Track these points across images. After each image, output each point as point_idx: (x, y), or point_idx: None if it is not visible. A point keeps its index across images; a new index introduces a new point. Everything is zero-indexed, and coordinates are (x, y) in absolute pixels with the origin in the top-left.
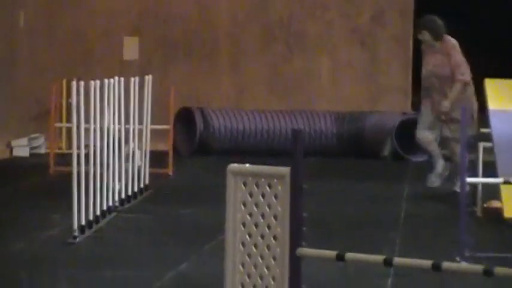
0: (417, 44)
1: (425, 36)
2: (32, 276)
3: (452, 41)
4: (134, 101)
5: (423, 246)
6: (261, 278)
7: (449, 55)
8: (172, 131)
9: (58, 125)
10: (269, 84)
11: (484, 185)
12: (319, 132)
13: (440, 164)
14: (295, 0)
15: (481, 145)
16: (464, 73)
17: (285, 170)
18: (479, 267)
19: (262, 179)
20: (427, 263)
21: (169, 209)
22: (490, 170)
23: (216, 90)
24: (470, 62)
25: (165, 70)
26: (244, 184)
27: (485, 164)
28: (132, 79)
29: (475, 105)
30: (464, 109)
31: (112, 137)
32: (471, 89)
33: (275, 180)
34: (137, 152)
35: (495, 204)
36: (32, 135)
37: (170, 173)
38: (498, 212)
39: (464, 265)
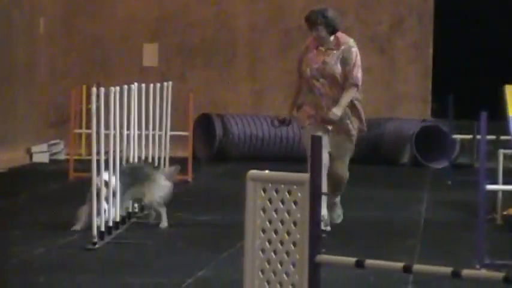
0: (437, 50)
1: (322, 32)
2: (52, 281)
3: (350, 39)
4: (154, 107)
5: (443, 253)
6: (280, 284)
7: (350, 52)
8: (191, 138)
9: (77, 131)
10: (287, 90)
11: (504, 192)
12: None
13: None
14: (314, 6)
15: (501, 152)
16: (360, 77)
17: (305, 177)
18: (499, 275)
19: (282, 186)
20: (447, 270)
21: (188, 215)
22: (510, 177)
23: (235, 96)
24: (489, 66)
25: (184, 76)
26: (264, 190)
27: (505, 171)
28: (152, 85)
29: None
30: (484, 114)
31: (132, 143)
32: (361, 96)
33: (295, 187)
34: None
35: None
36: (52, 142)
37: (189, 180)
38: None
39: (483, 272)
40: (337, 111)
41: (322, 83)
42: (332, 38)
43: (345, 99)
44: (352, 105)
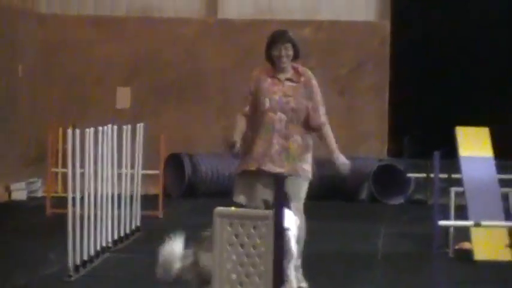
0: (393, 93)
1: (290, 51)
2: None
3: (307, 70)
4: (126, 148)
5: (400, 284)
6: None
7: (312, 86)
8: (162, 176)
9: (54, 170)
10: None
11: (456, 227)
12: None
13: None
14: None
15: (453, 190)
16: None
17: (269, 213)
18: None
19: (247, 221)
20: None
21: (159, 249)
22: (461, 213)
23: (205, 135)
24: (442, 108)
25: (156, 116)
26: (230, 225)
27: (456, 207)
28: (125, 127)
29: None
30: (437, 154)
31: (105, 181)
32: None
33: (259, 222)
34: None
35: (466, 246)
36: (30, 180)
37: (160, 215)
38: (469, 253)
39: None
40: (341, 158)
41: (280, 118)
42: (291, 66)
43: (334, 142)
44: (308, 151)
